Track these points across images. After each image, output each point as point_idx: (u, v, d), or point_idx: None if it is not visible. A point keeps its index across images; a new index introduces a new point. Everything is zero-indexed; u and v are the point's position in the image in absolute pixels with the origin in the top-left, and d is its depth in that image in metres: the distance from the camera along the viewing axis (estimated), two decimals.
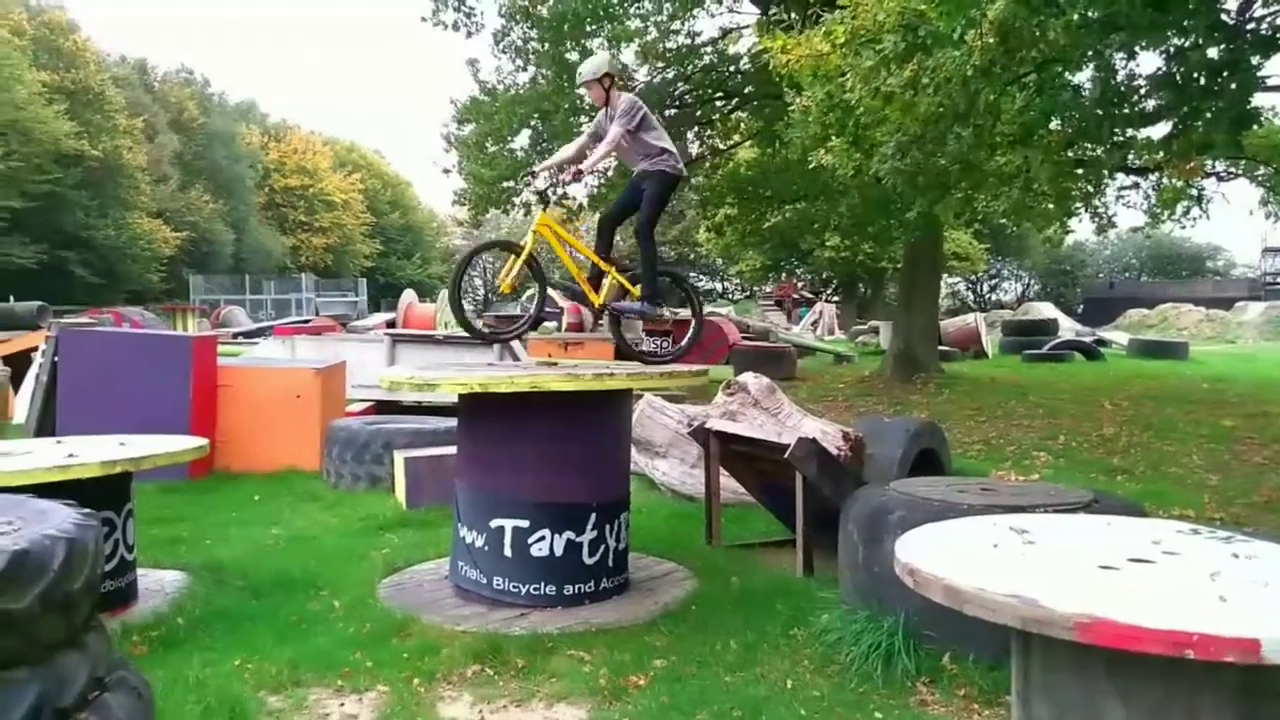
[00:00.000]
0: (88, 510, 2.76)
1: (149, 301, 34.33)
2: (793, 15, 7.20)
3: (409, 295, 24.46)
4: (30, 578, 2.30)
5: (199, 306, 33.34)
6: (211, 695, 3.26)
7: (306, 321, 25.08)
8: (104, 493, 4.20)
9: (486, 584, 4.31)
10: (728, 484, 5.75)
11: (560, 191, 5.20)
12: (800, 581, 4.65)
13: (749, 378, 6.61)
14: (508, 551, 4.26)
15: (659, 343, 15.49)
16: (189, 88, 47.61)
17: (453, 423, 7.94)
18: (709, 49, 14.03)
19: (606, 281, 5.31)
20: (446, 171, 14.92)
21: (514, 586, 4.27)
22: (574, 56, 13.33)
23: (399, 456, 6.97)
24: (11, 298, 26.94)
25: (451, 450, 7.07)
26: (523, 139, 14.15)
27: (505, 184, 13.63)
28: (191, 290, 38.09)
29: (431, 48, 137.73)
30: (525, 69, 13.59)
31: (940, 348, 16.84)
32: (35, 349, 10.70)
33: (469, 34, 14.35)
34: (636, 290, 5.30)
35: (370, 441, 7.38)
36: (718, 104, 14.73)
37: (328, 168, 54.79)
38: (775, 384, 6.80)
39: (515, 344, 11.24)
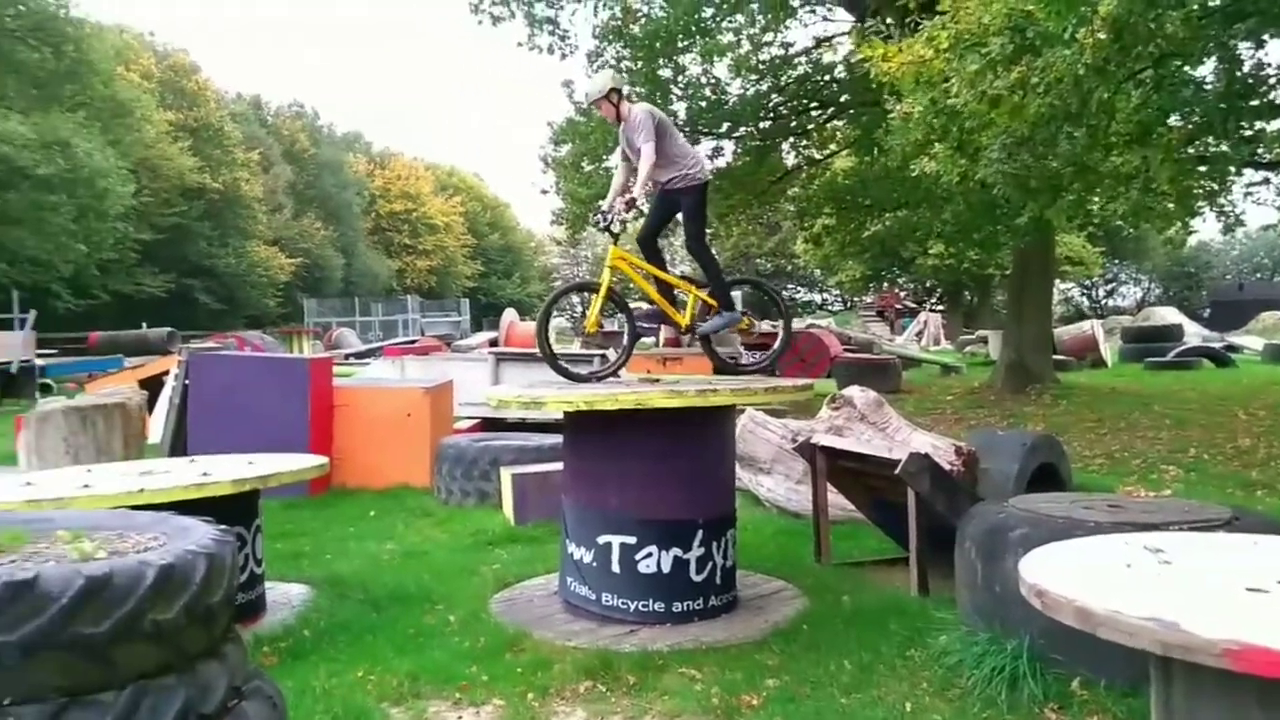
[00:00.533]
0: (224, 527, 2.92)
1: (266, 325, 36.10)
2: (890, 23, 7.06)
3: (510, 314, 25.00)
4: (176, 590, 2.44)
5: (313, 329, 34.84)
6: (338, 705, 3.38)
7: (413, 342, 25.88)
8: (235, 509, 4.42)
9: (595, 600, 4.34)
10: (835, 500, 5.65)
11: (622, 225, 5.22)
12: (915, 601, 4.52)
13: (855, 391, 6.49)
14: (615, 568, 4.29)
15: (757, 356, 15.36)
16: (300, 120, 50.06)
17: (557, 439, 8.13)
18: (802, 59, 13.92)
19: (688, 300, 5.29)
20: (544, 192, 15.22)
21: (622, 603, 4.29)
22: (666, 72, 13.46)
23: (506, 473, 7.11)
24: (144, 324, 28.75)
25: (558, 466, 7.18)
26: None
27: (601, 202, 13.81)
28: (305, 313, 39.86)
29: (530, 73, 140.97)
30: None
31: (1055, 357, 16.17)
32: (167, 373, 11.38)
33: (562, 56, 14.66)
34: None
35: (479, 458, 7.55)
36: (813, 114, 14.59)
37: (430, 192, 56.66)
38: (882, 397, 6.66)
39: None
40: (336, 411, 8.56)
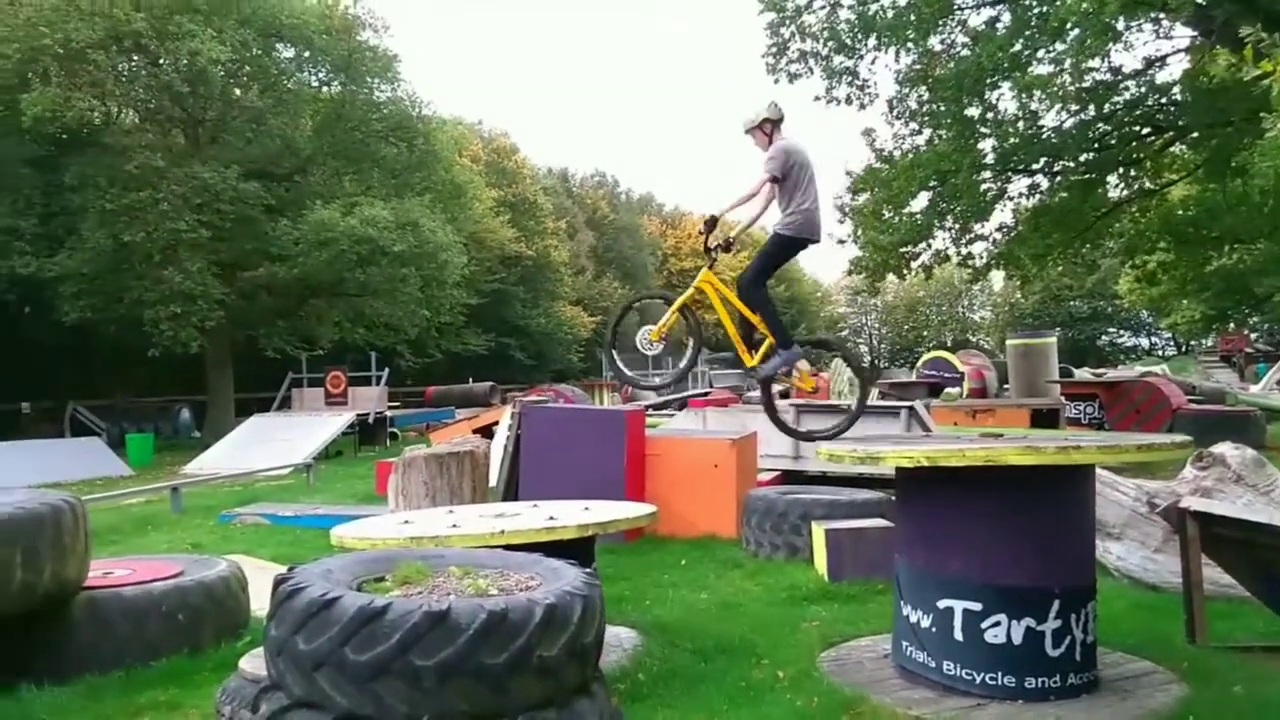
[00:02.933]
0: (590, 570, 3.10)
1: (569, 379, 38.83)
2: (1267, 34, 6.20)
3: (802, 365, 24.78)
4: (559, 628, 2.60)
5: (611, 383, 36.93)
6: None
7: (706, 394, 26.51)
8: (577, 552, 4.70)
9: (935, 668, 4.07)
10: (1208, 573, 4.91)
11: (719, 249, 5.08)
12: None
13: (1227, 449, 5.64)
14: (958, 635, 4.00)
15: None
16: (601, 189, 53.91)
17: (869, 494, 7.88)
18: (1132, 82, 12.69)
19: (764, 344, 5.14)
20: (841, 242, 15.04)
21: (966, 674, 3.98)
22: (973, 111, 12.86)
23: (818, 527, 6.97)
24: (470, 379, 32.06)
25: (873, 523, 6.95)
26: (920, 202, 13.86)
27: (903, 249, 13.38)
28: (604, 368, 42.36)
29: (817, 126, 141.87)
30: (921, 132, 13.36)
31: None
32: (496, 423, 12.52)
33: (861, 106, 14.49)
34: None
35: (788, 511, 7.49)
36: (1146, 140, 13.20)
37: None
38: (1262, 456, 5.73)
39: (923, 412, 10.83)
40: (648, 461, 8.91)
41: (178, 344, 18.80)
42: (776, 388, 5.42)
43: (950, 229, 13.80)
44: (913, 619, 4.21)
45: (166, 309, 18.29)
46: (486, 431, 13.39)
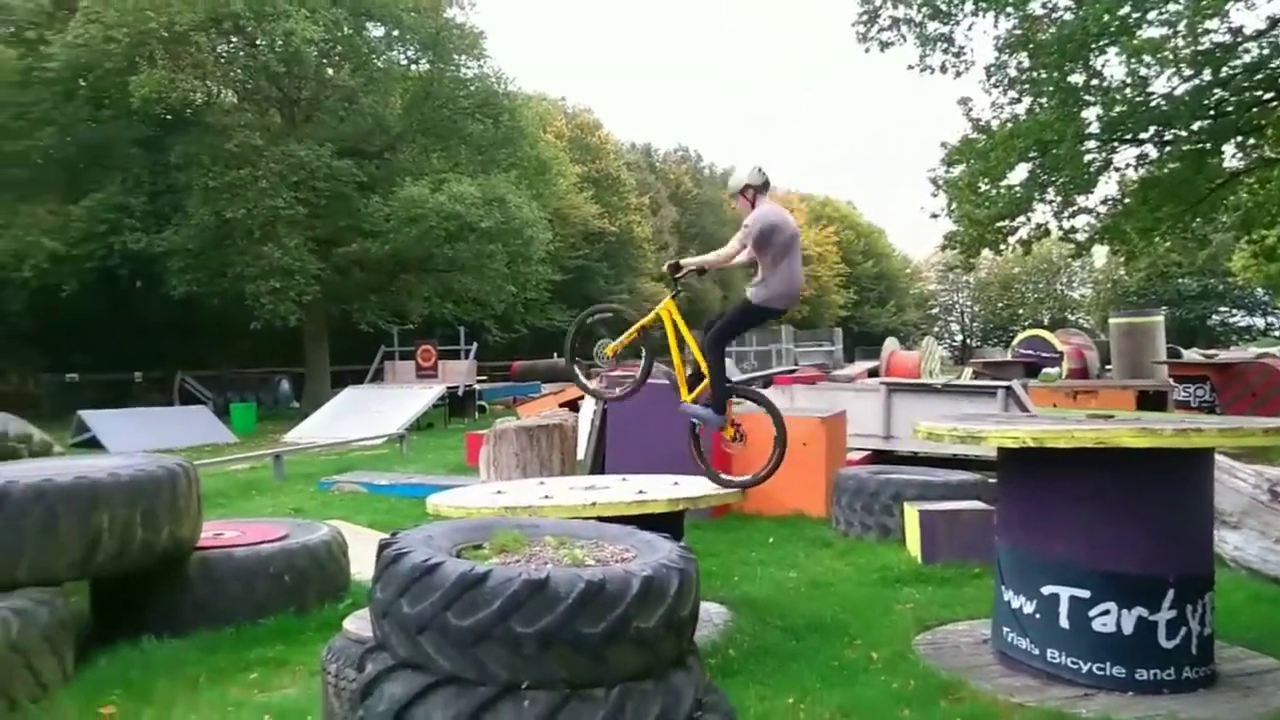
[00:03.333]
0: (685, 544, 3.08)
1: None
2: None
3: (892, 343, 24.33)
4: (655, 601, 2.59)
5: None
6: None
7: (792, 371, 26.23)
8: (664, 526, 4.69)
9: (1039, 656, 3.93)
10: None
11: (681, 286, 5.27)
12: None
13: None
14: (1064, 623, 3.86)
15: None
16: (685, 164, 53.56)
17: (963, 475, 7.66)
18: (1254, 44, 11.87)
19: (700, 386, 5.22)
20: (935, 216, 14.58)
21: (1072, 662, 3.84)
22: (1077, 78, 12.26)
23: (910, 508, 6.83)
24: (555, 354, 32.42)
25: (969, 505, 6.76)
26: (1019, 174, 13.31)
27: (1000, 223, 12.88)
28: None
29: (903, 97, 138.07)
30: (1020, 100, 12.79)
31: None
32: (582, 397, 12.63)
33: (956, 74, 13.96)
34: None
35: (880, 491, 7.35)
36: (1268, 105, 12.35)
37: (804, 223, 57.41)
38: None
39: (1021, 392, 10.47)
40: None
41: (277, 317, 19.50)
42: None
43: (1051, 202, 13.22)
44: (1015, 604, 4.08)
45: (266, 283, 18.98)
46: (573, 405, 13.54)
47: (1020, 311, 67.60)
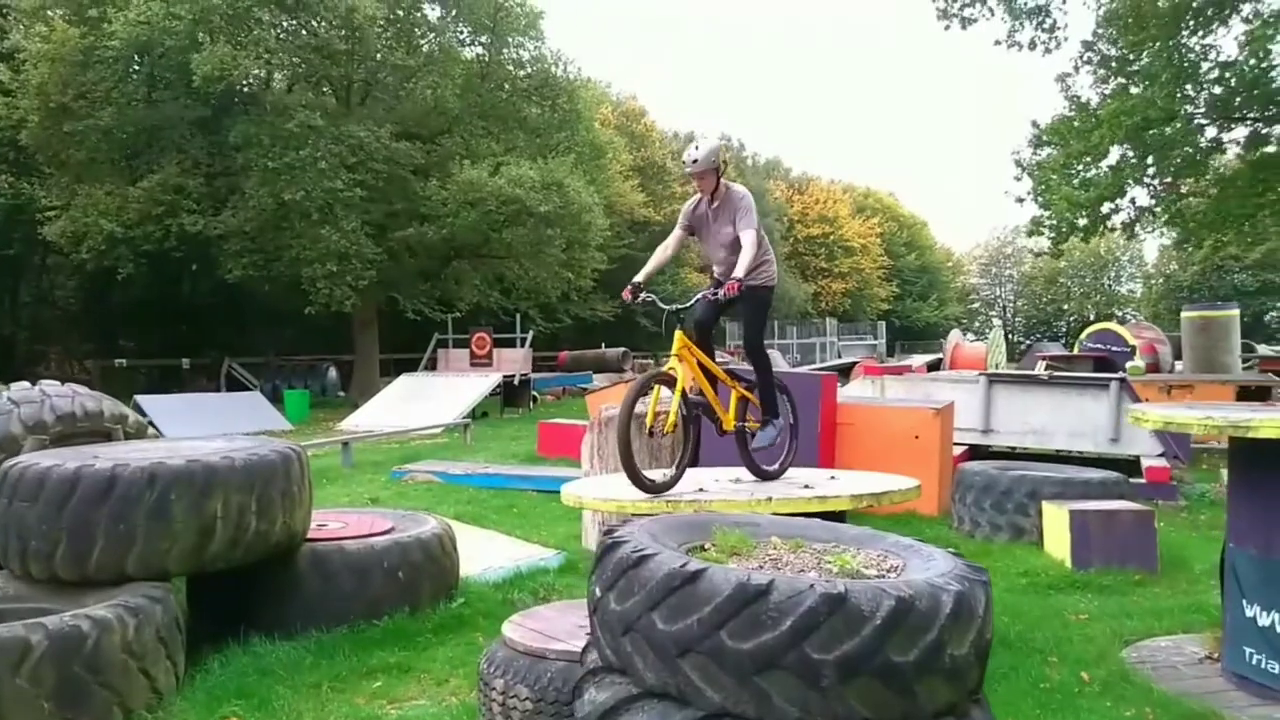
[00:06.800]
0: (956, 550, 2.57)
1: None
2: None
3: (956, 335, 23.58)
4: (966, 623, 2.09)
5: (733, 349, 36.19)
6: None
7: (852, 365, 25.58)
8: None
9: None
10: None
11: (648, 297, 4.65)
12: None
13: None
14: None
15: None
16: (728, 153, 52.66)
17: (1100, 473, 7.05)
18: None
19: (731, 396, 4.78)
20: (1020, 200, 13.94)
21: None
22: (1189, 54, 11.55)
23: (1054, 508, 6.27)
24: (602, 344, 31.98)
25: (1124, 505, 6.17)
26: (1112, 156, 12.63)
27: (1103, 205, 12.22)
28: (727, 336, 41.64)
29: (952, 86, 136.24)
30: (1126, 78, 12.11)
31: None
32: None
33: (1046, 50, 13.31)
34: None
35: (1012, 489, 6.80)
36: None
37: (847, 215, 56.44)
38: None
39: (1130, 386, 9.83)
40: (839, 430, 8.31)
41: (334, 302, 19.21)
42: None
43: (1151, 184, 12.53)
44: (1263, 621, 3.52)
45: (324, 267, 18.67)
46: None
47: (1065, 306, 66.03)
